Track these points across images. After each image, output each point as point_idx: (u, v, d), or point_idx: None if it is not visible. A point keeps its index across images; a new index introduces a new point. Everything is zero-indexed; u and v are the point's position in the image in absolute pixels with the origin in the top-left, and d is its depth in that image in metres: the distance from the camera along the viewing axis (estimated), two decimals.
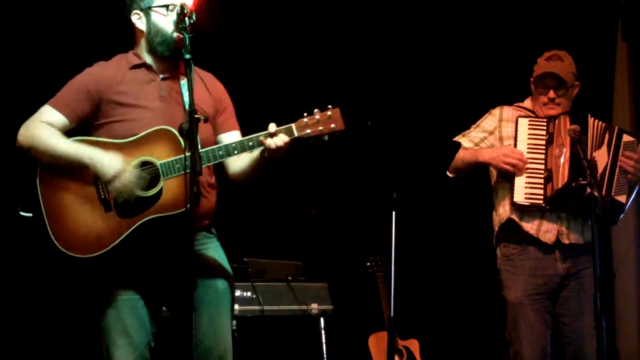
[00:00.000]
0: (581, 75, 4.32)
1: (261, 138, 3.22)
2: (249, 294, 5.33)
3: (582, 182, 3.90)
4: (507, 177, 4.15)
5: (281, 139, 3.21)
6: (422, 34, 6.33)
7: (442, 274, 6.41)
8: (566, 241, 4.10)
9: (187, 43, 3.13)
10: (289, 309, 5.46)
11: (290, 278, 5.52)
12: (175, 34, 3.27)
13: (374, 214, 5.38)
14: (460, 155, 4.28)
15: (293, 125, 3.25)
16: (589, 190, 3.87)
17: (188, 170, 3.00)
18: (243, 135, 3.48)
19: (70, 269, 3.29)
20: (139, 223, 3.20)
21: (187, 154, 3.02)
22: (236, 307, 5.15)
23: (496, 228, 4.28)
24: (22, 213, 3.24)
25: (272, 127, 3.22)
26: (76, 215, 3.22)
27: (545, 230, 4.10)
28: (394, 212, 5.00)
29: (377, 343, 5.80)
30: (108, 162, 3.18)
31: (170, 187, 3.20)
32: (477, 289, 6.05)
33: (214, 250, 3.45)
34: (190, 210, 2.95)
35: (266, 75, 6.05)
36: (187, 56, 3.12)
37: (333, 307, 5.54)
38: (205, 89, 3.47)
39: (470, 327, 6.26)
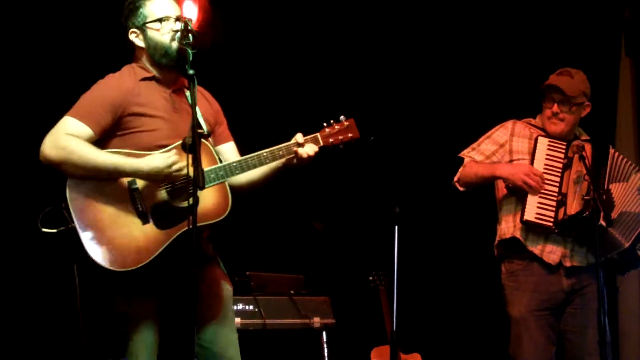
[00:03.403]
0: None
1: (294, 148, 3.36)
2: (251, 307, 5.33)
3: (586, 198, 3.90)
4: (518, 194, 4.14)
5: (312, 148, 3.38)
6: (425, 49, 6.34)
7: (445, 288, 6.40)
8: (569, 264, 4.10)
9: (191, 59, 3.17)
10: (291, 322, 5.45)
11: (292, 292, 5.52)
12: (175, 45, 3.33)
13: (377, 228, 5.38)
14: (474, 169, 4.24)
15: (319, 135, 3.43)
16: (602, 223, 3.90)
17: (193, 186, 3.02)
18: (238, 145, 3.60)
19: (95, 283, 3.26)
20: (179, 234, 3.22)
21: (218, 166, 3.10)
22: (238, 320, 5.15)
23: (497, 241, 4.27)
24: (43, 229, 3.21)
25: (300, 137, 3.38)
26: (112, 229, 3.19)
27: (550, 251, 4.10)
28: (396, 227, 5.01)
29: (379, 357, 5.79)
30: (154, 161, 3.20)
31: (205, 197, 3.24)
32: (480, 304, 6.04)
33: (216, 258, 3.52)
34: (194, 224, 2.98)
35: (268, 88, 6.06)
36: (191, 72, 3.17)
37: (335, 321, 5.54)
38: (206, 102, 3.55)
39: (473, 342, 6.24)
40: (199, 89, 3.52)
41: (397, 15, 6.26)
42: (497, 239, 4.26)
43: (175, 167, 3.21)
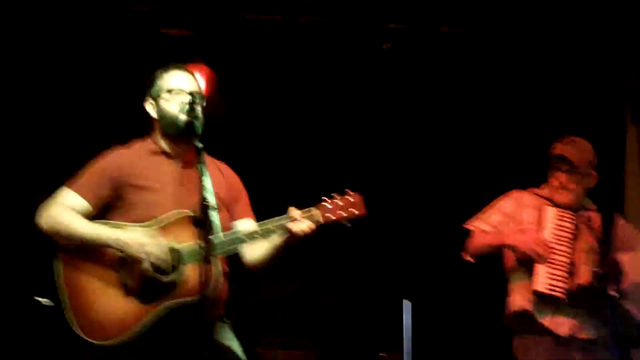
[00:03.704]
0: None
1: (287, 225, 3.24)
2: None
3: (595, 270, 3.88)
4: (527, 263, 4.10)
5: (307, 225, 3.24)
6: (427, 120, 6.36)
7: None
8: (580, 335, 4.05)
9: (199, 132, 3.24)
10: None
11: None
12: (182, 117, 3.36)
13: (387, 305, 5.35)
14: (481, 239, 4.21)
15: (317, 210, 3.27)
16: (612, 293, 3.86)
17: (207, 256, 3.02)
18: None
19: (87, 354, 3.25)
20: (158, 310, 3.19)
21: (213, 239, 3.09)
22: None
23: (507, 312, 4.21)
24: (37, 299, 3.23)
25: (296, 212, 3.25)
26: (98, 299, 3.21)
27: (559, 322, 4.05)
28: (405, 301, 4.97)
29: None
30: (133, 238, 3.20)
31: (189, 273, 3.20)
32: None
33: (229, 340, 3.44)
34: (202, 291, 2.99)
35: (271, 159, 6.09)
36: (200, 145, 3.20)
37: None
38: (222, 177, 3.54)
39: None
40: (217, 163, 3.56)
41: (399, 88, 6.29)
42: (507, 310, 4.21)
43: (146, 249, 3.19)
